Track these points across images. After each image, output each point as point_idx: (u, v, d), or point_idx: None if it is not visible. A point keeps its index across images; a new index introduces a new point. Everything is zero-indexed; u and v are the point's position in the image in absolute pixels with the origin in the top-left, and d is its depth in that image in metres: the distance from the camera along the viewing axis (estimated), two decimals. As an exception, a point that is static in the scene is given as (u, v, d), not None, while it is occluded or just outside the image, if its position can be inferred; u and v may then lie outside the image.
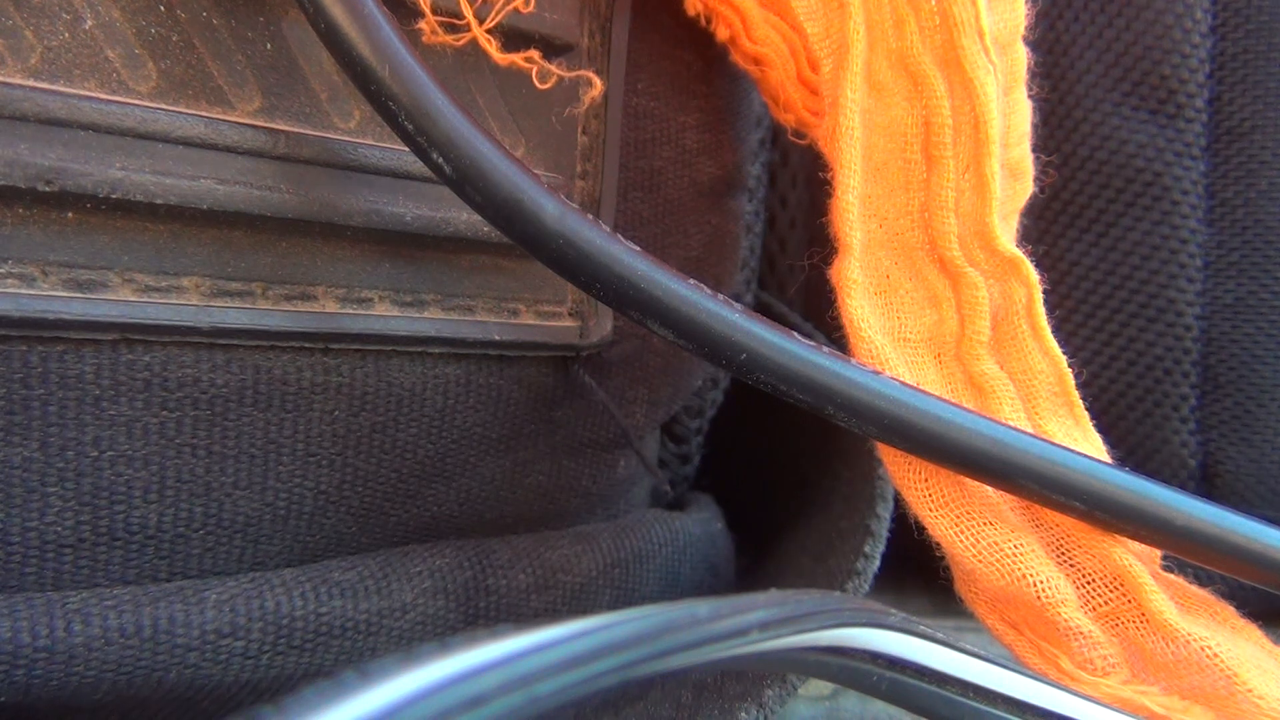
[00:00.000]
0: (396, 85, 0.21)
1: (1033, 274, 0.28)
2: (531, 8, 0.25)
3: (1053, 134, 0.40)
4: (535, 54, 0.25)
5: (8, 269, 0.21)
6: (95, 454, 0.23)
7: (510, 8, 0.25)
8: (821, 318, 0.31)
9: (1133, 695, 0.25)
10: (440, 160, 0.22)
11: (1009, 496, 0.27)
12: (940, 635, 0.20)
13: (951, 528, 0.26)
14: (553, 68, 0.25)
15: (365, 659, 0.26)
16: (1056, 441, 0.26)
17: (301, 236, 0.25)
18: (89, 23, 0.21)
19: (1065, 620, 0.25)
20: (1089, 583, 0.26)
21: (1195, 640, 0.25)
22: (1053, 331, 0.28)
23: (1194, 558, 0.25)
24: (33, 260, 0.21)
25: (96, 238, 0.22)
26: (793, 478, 0.42)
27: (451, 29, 0.24)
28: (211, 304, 0.23)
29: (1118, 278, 0.40)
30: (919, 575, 0.34)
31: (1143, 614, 0.26)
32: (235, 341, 0.24)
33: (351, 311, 0.26)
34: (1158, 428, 0.40)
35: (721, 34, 0.29)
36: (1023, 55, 0.29)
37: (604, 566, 0.31)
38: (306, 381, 0.25)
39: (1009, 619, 0.27)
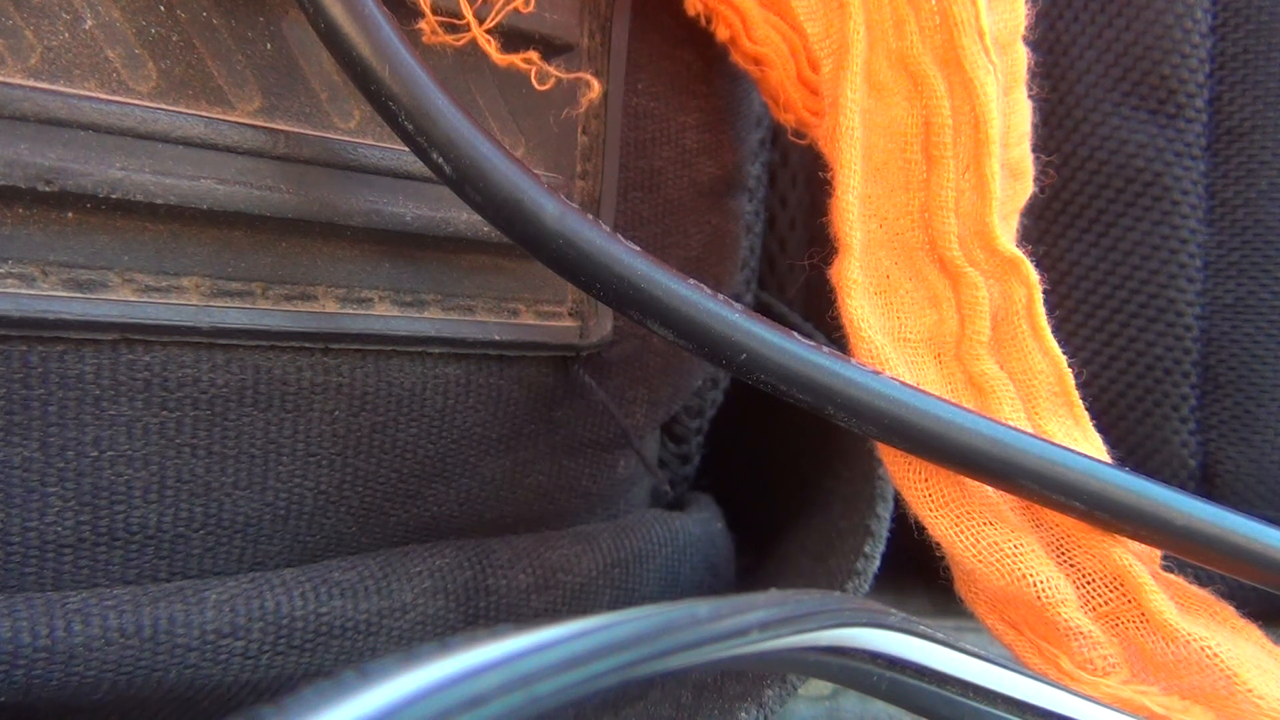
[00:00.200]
0: (396, 85, 0.21)
1: (1033, 274, 0.28)
2: (531, 8, 0.25)
3: (1053, 134, 0.40)
4: (535, 54, 0.25)
5: (8, 269, 0.21)
6: (95, 454, 0.23)
7: (510, 8, 0.25)
8: (821, 318, 0.31)
9: (1133, 695, 0.25)
10: (440, 160, 0.22)
11: (1009, 496, 0.27)
12: (940, 635, 0.20)
13: (951, 528, 0.26)
14: (552, 68, 0.25)
15: (365, 659, 0.26)
16: (1056, 441, 0.26)
17: (301, 236, 0.25)
18: (89, 23, 0.21)
19: (1065, 620, 0.25)
20: (1089, 583, 0.26)
21: (1195, 640, 0.25)
22: (1053, 331, 0.28)
23: (1194, 558, 0.25)
24: (33, 260, 0.21)
25: (96, 238, 0.22)
26: (793, 478, 0.42)
27: (451, 29, 0.24)
28: (211, 304, 0.23)
29: (1118, 278, 0.40)
30: (919, 575, 0.34)
31: (1143, 614, 0.26)
32: (235, 341, 0.24)
33: (351, 311, 0.26)
34: (1158, 428, 0.40)
35: (721, 34, 0.29)
36: (1023, 55, 0.29)
37: (604, 566, 0.31)
38: (306, 381, 0.25)
39: (1009, 619, 0.27)
